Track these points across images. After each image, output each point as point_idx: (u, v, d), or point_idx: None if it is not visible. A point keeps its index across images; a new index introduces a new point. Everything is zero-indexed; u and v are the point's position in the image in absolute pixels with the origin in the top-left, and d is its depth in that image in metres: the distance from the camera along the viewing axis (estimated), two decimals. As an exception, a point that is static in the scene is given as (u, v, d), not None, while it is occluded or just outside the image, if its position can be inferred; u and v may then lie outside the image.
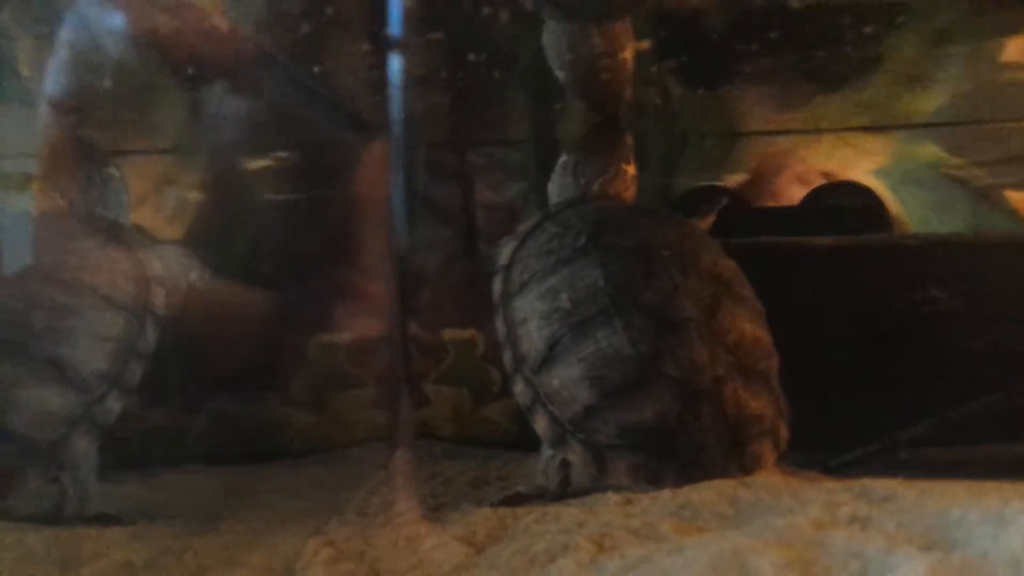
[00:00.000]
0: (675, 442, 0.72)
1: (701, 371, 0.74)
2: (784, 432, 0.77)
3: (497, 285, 0.85)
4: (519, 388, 0.79)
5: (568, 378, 0.75)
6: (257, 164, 1.18)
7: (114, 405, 0.79)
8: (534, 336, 0.78)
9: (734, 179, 1.23)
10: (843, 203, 1.16)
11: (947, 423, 0.85)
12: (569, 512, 0.66)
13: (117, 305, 0.82)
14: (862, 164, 1.19)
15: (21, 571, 0.61)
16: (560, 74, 0.89)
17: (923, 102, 1.16)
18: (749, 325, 0.78)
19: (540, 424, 0.76)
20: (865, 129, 1.18)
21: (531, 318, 0.79)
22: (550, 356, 0.77)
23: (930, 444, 0.85)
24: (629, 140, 0.91)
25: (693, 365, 0.74)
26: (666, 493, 0.67)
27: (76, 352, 0.78)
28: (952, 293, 0.89)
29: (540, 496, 0.76)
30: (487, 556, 0.62)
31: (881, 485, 0.57)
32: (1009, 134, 1.16)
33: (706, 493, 0.63)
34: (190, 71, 1.09)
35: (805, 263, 0.93)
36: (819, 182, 1.20)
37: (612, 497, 0.67)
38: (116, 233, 0.88)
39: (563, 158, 0.92)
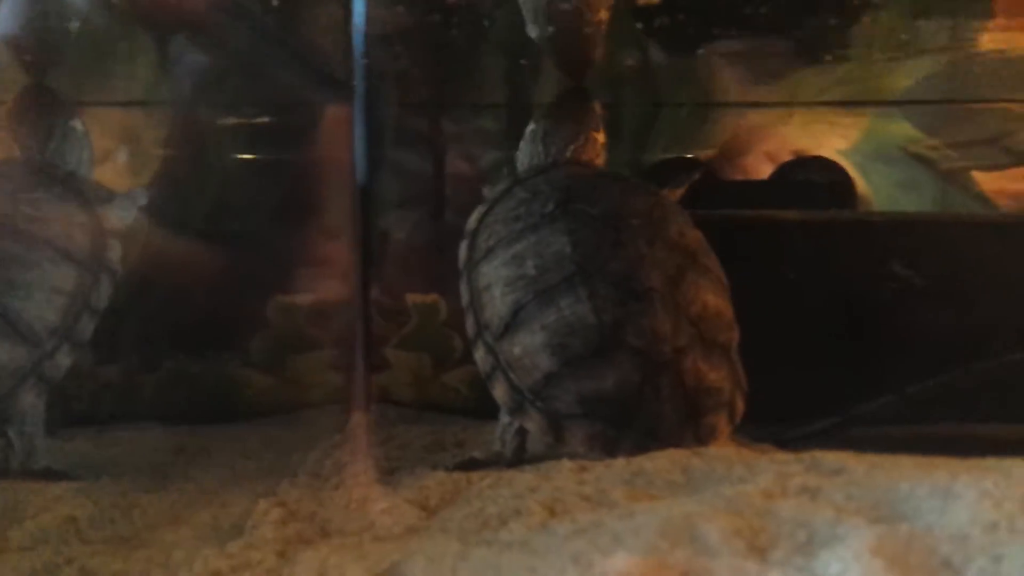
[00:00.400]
0: (633, 413, 0.72)
1: (663, 342, 0.73)
2: (740, 405, 0.77)
3: (463, 250, 0.83)
4: (480, 354, 0.78)
5: (530, 345, 0.75)
6: (222, 120, 1.15)
7: (64, 360, 0.77)
8: (498, 302, 0.77)
9: (706, 151, 1.22)
10: (811, 178, 1.15)
11: (905, 400, 0.86)
12: (523, 477, 0.65)
13: (71, 258, 0.80)
14: (833, 140, 1.19)
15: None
16: (533, 30, 0.87)
17: (897, 80, 1.15)
18: (712, 297, 0.78)
19: (499, 391, 0.76)
20: (839, 104, 1.18)
21: (495, 284, 0.78)
22: (513, 323, 0.76)
23: (888, 421, 0.86)
24: (598, 107, 0.90)
25: (655, 335, 0.73)
26: (620, 461, 0.67)
27: (27, 305, 0.76)
28: (916, 271, 0.89)
29: (495, 462, 0.75)
30: (439, 519, 0.61)
31: (832, 458, 0.57)
32: (980, 115, 1.16)
33: (659, 462, 0.63)
34: (157, 17, 1.07)
35: (770, 237, 0.93)
36: (789, 157, 1.19)
37: (566, 464, 0.66)
38: (73, 185, 0.86)
39: (531, 126, 0.90)
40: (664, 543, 0.43)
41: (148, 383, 1.06)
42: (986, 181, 1.15)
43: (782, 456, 0.63)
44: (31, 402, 0.75)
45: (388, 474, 0.79)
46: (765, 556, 0.42)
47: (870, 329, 0.89)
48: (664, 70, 1.19)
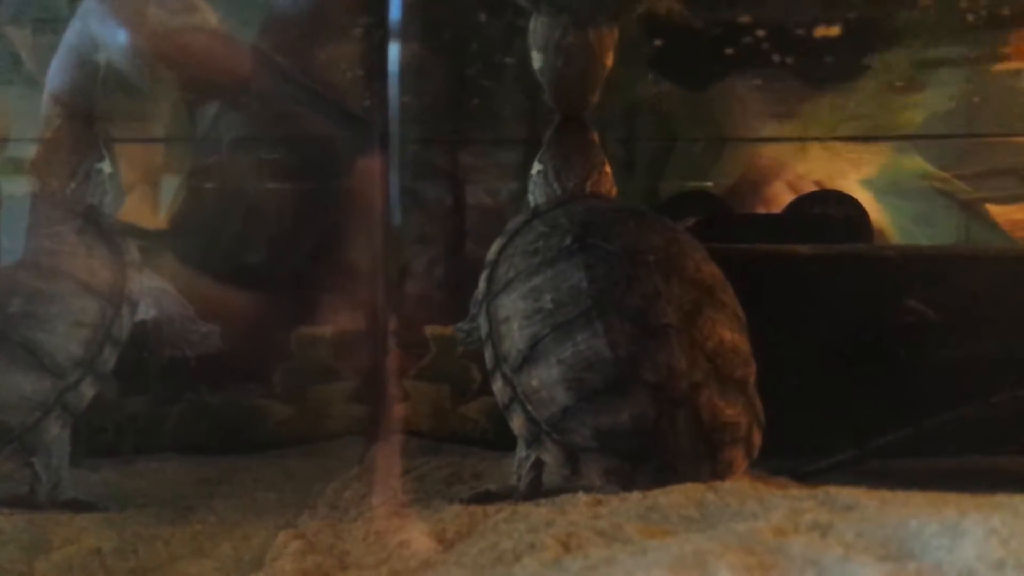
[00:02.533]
0: (649, 447, 0.73)
1: (679, 377, 0.74)
2: (757, 439, 0.77)
3: (482, 282, 0.85)
4: (498, 386, 0.79)
5: (547, 379, 0.75)
6: (248, 157, 1.18)
7: (88, 391, 0.79)
8: (516, 335, 0.78)
9: (721, 184, 1.23)
10: (827, 212, 1.16)
11: (921, 433, 0.86)
12: (538, 511, 0.66)
13: (93, 291, 0.82)
14: (848, 173, 1.20)
15: (-12, 555, 0.61)
16: (537, 65, 0.88)
17: (911, 114, 1.16)
18: (729, 332, 0.78)
19: (517, 423, 0.77)
20: (853, 139, 1.19)
21: (514, 317, 0.79)
22: (530, 356, 0.77)
23: (904, 454, 0.86)
24: (597, 138, 0.91)
25: (671, 371, 0.74)
26: (635, 495, 0.67)
27: (50, 337, 0.78)
28: (930, 305, 0.89)
29: (510, 495, 0.76)
30: (455, 552, 0.62)
31: (845, 494, 0.58)
32: (994, 148, 1.17)
33: (674, 496, 0.63)
34: (198, 88, 1.10)
35: (785, 271, 0.93)
36: (805, 190, 1.20)
37: (582, 498, 0.67)
38: (93, 219, 0.88)
39: (537, 167, 0.91)
40: (675, 580, 0.44)
41: (171, 415, 1.08)
42: (1001, 214, 1.15)
43: (796, 491, 0.63)
44: (56, 433, 0.77)
45: (406, 506, 0.80)
46: (777, 594, 0.43)
47: (886, 363, 0.89)
48: (678, 105, 1.21)
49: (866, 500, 0.56)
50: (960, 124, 1.16)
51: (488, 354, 0.81)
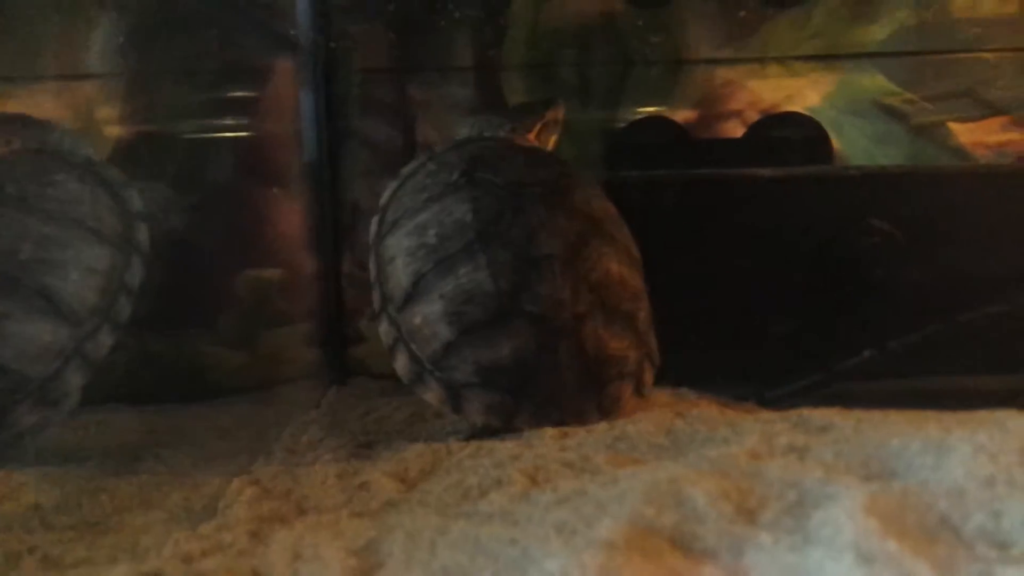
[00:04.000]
0: (531, 381, 0.71)
1: (561, 308, 0.72)
2: (649, 376, 0.75)
3: (373, 225, 0.82)
4: (383, 327, 0.77)
5: (429, 315, 0.73)
6: (180, 91, 1.12)
7: (106, 340, 0.75)
8: (400, 273, 0.76)
9: (679, 109, 1.20)
10: (786, 134, 1.13)
11: (886, 354, 0.85)
12: (503, 446, 0.63)
13: (103, 238, 0.77)
14: (808, 94, 1.17)
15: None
16: None
17: (871, 32, 1.14)
18: (616, 265, 0.76)
19: (400, 363, 0.74)
20: (812, 58, 1.16)
21: (398, 255, 0.77)
22: (413, 293, 0.74)
23: (870, 376, 0.85)
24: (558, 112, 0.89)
25: (553, 301, 0.72)
26: (602, 425, 0.66)
27: (65, 284, 0.73)
28: (894, 224, 0.88)
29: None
30: (418, 491, 0.60)
31: (818, 415, 0.56)
32: (955, 66, 1.14)
33: (643, 425, 0.61)
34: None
35: (746, 194, 0.91)
36: (765, 112, 1.17)
37: (548, 431, 0.65)
38: (92, 169, 0.83)
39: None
40: (650, 509, 0.42)
41: (116, 364, 1.03)
42: (963, 133, 1.14)
43: (767, 415, 0.62)
44: (76, 383, 0.73)
45: (366, 447, 0.77)
46: (754, 518, 0.41)
47: (849, 284, 0.88)
48: (635, 28, 1.17)
49: (841, 421, 0.55)
50: (920, 42, 1.14)
51: (375, 296, 0.78)
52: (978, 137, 1.13)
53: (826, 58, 1.15)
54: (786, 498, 0.42)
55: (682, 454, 0.54)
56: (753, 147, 1.15)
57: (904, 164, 1.05)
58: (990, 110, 1.15)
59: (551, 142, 0.89)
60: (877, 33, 1.13)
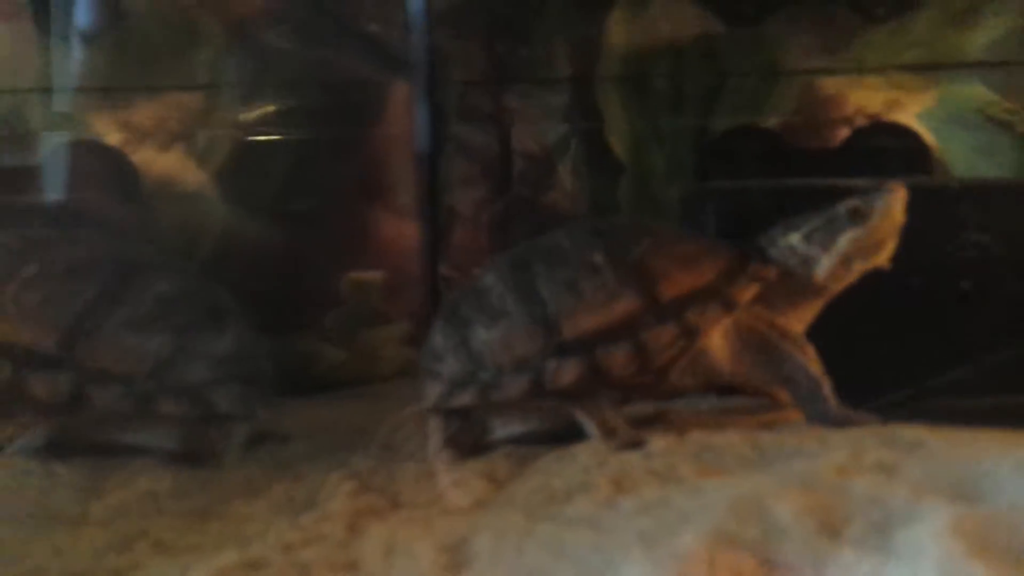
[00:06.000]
0: None
1: None
2: None
3: None
4: None
5: None
6: (291, 102, 1.17)
7: None
8: None
9: (776, 119, 1.19)
10: (884, 144, 1.12)
11: (982, 371, 0.83)
12: (590, 451, 0.65)
13: None
14: (906, 105, 1.15)
15: (43, 500, 0.62)
16: None
17: (971, 40, 1.11)
18: None
19: None
20: (911, 68, 1.14)
21: None
22: None
23: (965, 392, 0.84)
24: None
25: None
26: (693, 435, 0.66)
27: None
28: (993, 238, 0.86)
29: None
30: (506, 492, 0.62)
31: (909, 432, 0.56)
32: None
33: (730, 436, 0.62)
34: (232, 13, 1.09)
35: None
36: (862, 123, 1.16)
37: (632, 439, 0.66)
38: None
39: None
40: (733, 522, 0.43)
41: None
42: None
43: (857, 430, 0.62)
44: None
45: (459, 447, 0.79)
46: (838, 535, 0.42)
47: (947, 299, 0.86)
48: (729, 40, 1.17)
49: (932, 438, 0.54)
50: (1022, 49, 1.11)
51: None
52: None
53: (925, 68, 1.13)
54: (871, 516, 0.42)
55: (768, 467, 0.54)
56: (850, 157, 1.14)
57: (1004, 177, 1.02)
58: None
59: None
60: (978, 40, 1.10)
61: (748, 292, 0.73)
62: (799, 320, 0.78)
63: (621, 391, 0.73)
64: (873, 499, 0.43)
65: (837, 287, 0.76)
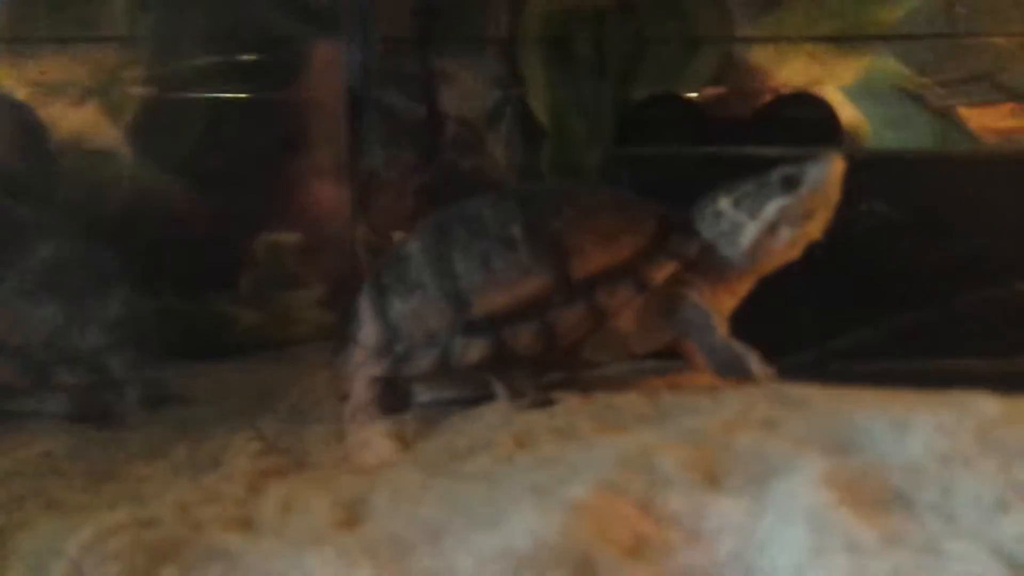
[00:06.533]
0: None
1: None
2: None
3: None
4: None
5: None
6: (209, 58, 1.14)
7: None
8: None
9: (693, 88, 1.21)
10: (797, 114, 1.14)
11: (883, 335, 0.86)
12: (496, 412, 0.66)
13: None
14: (822, 75, 1.17)
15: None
16: None
17: (887, 14, 1.14)
18: None
19: None
20: (828, 39, 1.16)
21: None
22: None
23: (865, 356, 0.86)
24: None
25: None
26: (598, 395, 0.67)
27: None
28: (896, 207, 0.88)
29: None
30: (413, 452, 0.62)
31: (798, 391, 0.58)
32: (970, 51, 1.14)
33: (632, 395, 0.63)
34: None
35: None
36: (778, 92, 1.18)
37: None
38: None
39: None
40: (621, 474, 0.44)
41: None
42: (974, 117, 1.14)
43: (752, 389, 0.63)
44: None
45: (370, 409, 0.79)
46: (719, 485, 0.43)
47: (850, 265, 0.88)
48: (649, 5, 1.18)
49: (819, 397, 0.56)
50: (936, 25, 1.14)
51: None
52: (987, 122, 1.13)
53: (841, 40, 1.15)
54: (751, 468, 0.44)
55: (663, 423, 0.56)
56: (766, 127, 1.15)
57: (908, 148, 1.05)
58: (1004, 95, 1.16)
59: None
60: (893, 14, 1.13)
61: (664, 270, 0.72)
62: (729, 296, 0.77)
63: (532, 366, 0.72)
64: (755, 452, 0.45)
65: (768, 262, 0.75)
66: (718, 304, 0.75)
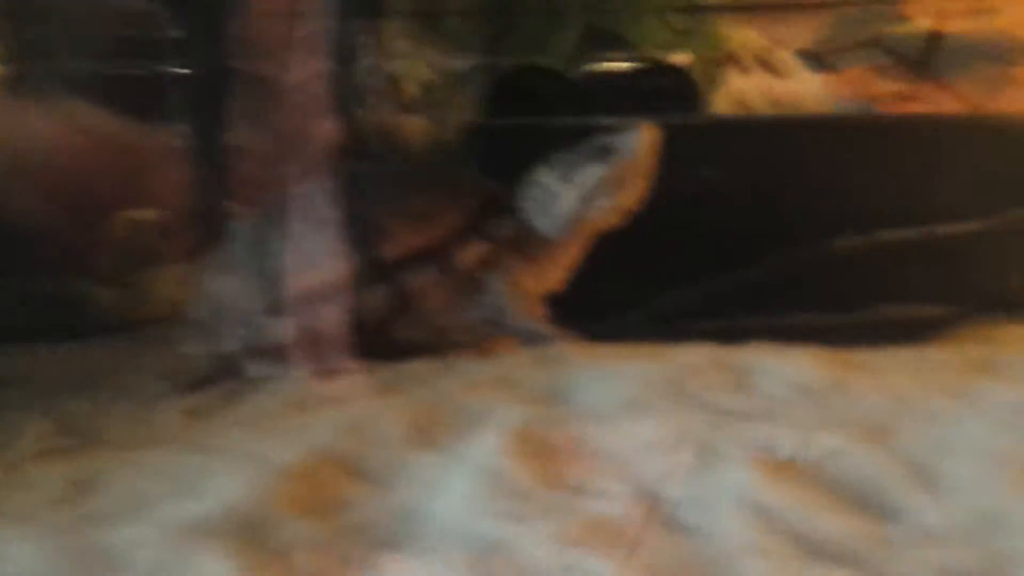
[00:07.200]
0: None
1: None
2: None
3: None
4: None
5: None
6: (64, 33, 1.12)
7: None
8: None
9: (560, 58, 1.21)
10: (657, 84, 1.15)
11: (705, 295, 0.88)
12: (291, 382, 0.66)
13: None
14: (680, 44, 1.19)
15: None
16: None
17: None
18: None
19: None
20: (686, 10, 1.18)
21: None
22: None
23: (689, 314, 0.88)
24: None
25: None
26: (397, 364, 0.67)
27: None
28: (724, 172, 0.90)
29: None
30: (198, 427, 0.62)
31: (563, 350, 0.59)
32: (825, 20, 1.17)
33: (417, 365, 0.64)
34: None
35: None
36: (640, 65, 1.19)
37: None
38: None
39: None
40: (342, 438, 0.45)
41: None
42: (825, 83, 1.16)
43: (527, 352, 0.64)
44: None
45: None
46: (431, 442, 0.44)
47: (677, 229, 0.89)
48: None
49: (577, 355, 0.58)
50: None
51: None
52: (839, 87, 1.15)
53: (698, 11, 1.16)
54: (461, 424, 0.45)
55: (426, 386, 0.56)
56: (628, 97, 1.16)
57: (739, 114, 1.07)
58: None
59: None
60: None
61: (475, 252, 0.73)
62: (554, 267, 0.77)
63: (343, 344, 0.70)
64: (472, 410, 0.46)
65: (586, 231, 0.76)
66: (541, 277, 0.76)
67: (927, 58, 1.17)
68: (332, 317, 0.71)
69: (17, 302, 1.06)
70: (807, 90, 1.14)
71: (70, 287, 1.10)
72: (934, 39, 1.16)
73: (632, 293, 0.87)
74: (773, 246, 0.87)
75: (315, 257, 0.73)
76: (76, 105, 1.11)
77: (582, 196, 0.74)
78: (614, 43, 1.22)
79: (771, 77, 1.14)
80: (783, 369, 0.45)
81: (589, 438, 0.41)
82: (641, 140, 0.74)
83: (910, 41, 1.17)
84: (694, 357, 0.48)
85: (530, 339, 0.70)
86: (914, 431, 0.40)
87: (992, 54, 1.13)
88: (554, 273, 0.78)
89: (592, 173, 0.73)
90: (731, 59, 1.17)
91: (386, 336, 0.74)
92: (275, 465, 0.42)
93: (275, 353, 0.72)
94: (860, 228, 0.87)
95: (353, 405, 0.52)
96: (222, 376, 0.75)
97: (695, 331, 0.84)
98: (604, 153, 0.74)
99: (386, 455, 0.43)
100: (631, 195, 0.75)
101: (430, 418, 0.46)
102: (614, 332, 0.84)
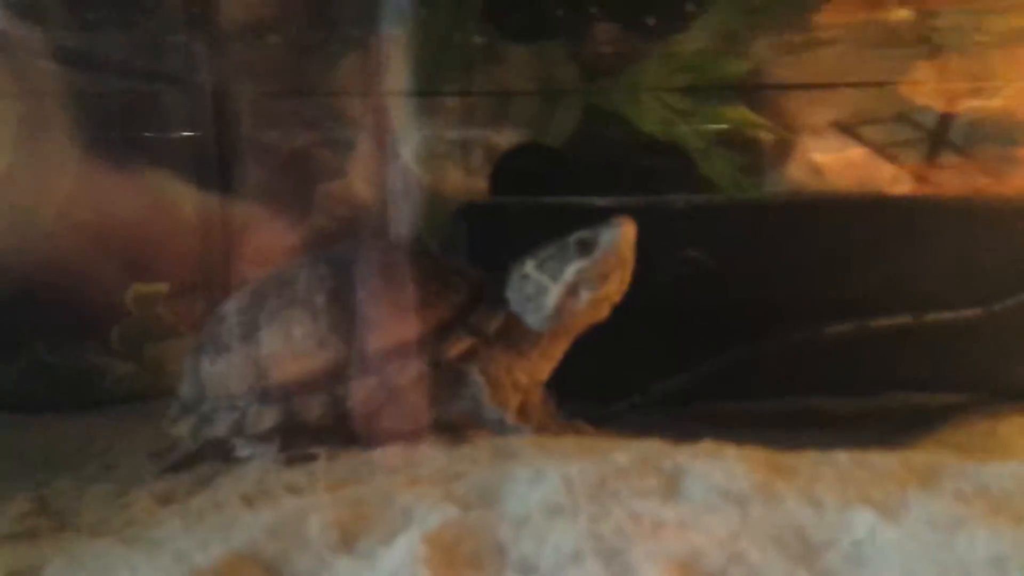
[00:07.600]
0: None
1: None
2: None
3: None
4: None
5: None
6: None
7: None
8: None
9: (558, 137, 1.23)
10: (656, 163, 1.16)
11: (698, 378, 0.88)
12: (261, 468, 0.67)
13: None
14: (679, 123, 1.20)
15: None
16: None
17: (735, 67, 1.17)
18: None
19: None
20: (681, 90, 1.19)
21: None
22: None
23: (684, 398, 0.88)
24: None
25: None
26: (366, 452, 0.68)
27: None
28: (708, 253, 0.90)
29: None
30: (169, 511, 0.63)
31: (520, 443, 0.60)
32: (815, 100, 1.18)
33: (378, 454, 0.65)
34: None
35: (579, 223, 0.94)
36: (640, 142, 1.20)
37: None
38: None
39: None
40: (265, 538, 0.45)
41: (6, 374, 1.09)
42: (827, 163, 1.17)
43: (487, 444, 0.64)
44: None
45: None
46: (350, 546, 0.45)
47: (670, 311, 0.90)
48: (513, 60, 1.21)
49: (532, 450, 0.58)
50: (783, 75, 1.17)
51: None
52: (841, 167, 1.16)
53: (694, 90, 1.18)
54: (386, 526, 0.45)
55: (380, 478, 0.57)
56: (626, 175, 1.18)
57: (723, 195, 1.08)
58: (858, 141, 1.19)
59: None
60: (740, 67, 1.16)
61: (459, 347, 0.73)
62: (543, 359, 0.78)
63: (327, 434, 0.73)
64: (401, 510, 0.46)
65: (575, 323, 0.76)
66: (530, 369, 0.77)
67: (939, 139, 1.18)
68: (317, 408, 0.72)
69: (36, 371, 1.09)
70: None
71: (88, 357, 1.14)
72: (946, 120, 1.16)
73: (634, 378, 0.88)
74: (762, 328, 0.87)
75: (301, 345, 0.74)
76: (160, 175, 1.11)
77: (569, 291, 0.74)
78: (614, 122, 1.24)
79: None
80: (713, 474, 0.45)
81: (502, 546, 0.41)
82: (621, 233, 0.74)
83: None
84: (628, 457, 0.48)
85: (500, 430, 0.71)
86: (829, 542, 0.40)
87: (993, 135, 1.13)
88: (541, 365, 0.78)
89: (576, 268, 0.74)
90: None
91: (369, 426, 0.74)
92: (193, 565, 0.43)
93: (262, 437, 0.74)
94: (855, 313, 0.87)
95: (299, 498, 0.53)
96: (211, 456, 0.77)
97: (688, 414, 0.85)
98: (585, 248, 0.75)
99: (306, 559, 0.43)
100: (615, 287, 0.76)
101: (358, 518, 0.46)
102: (613, 414, 0.86)
